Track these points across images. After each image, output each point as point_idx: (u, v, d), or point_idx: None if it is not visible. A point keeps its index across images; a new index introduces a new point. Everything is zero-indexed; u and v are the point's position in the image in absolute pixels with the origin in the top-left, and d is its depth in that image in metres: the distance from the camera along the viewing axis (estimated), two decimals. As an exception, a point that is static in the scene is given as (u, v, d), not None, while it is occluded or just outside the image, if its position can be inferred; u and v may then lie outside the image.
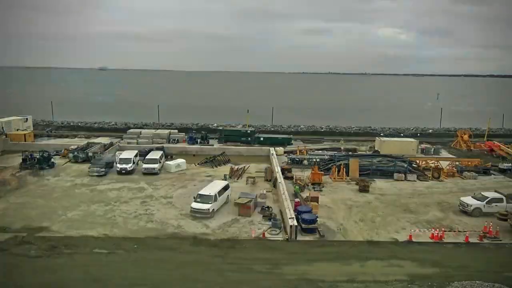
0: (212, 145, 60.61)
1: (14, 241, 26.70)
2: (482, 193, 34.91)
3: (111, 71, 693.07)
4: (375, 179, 43.42)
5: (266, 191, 37.77)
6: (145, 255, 25.26)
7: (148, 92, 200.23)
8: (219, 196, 33.07)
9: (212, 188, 33.84)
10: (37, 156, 45.88)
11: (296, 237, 27.87)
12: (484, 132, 75.69)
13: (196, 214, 31.45)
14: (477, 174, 45.46)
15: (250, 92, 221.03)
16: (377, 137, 63.11)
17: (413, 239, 28.29)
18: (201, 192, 33.09)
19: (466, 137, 63.78)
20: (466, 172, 45.71)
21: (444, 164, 47.77)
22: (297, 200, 34.12)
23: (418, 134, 76.17)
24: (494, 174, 47.18)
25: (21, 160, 45.52)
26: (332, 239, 28.15)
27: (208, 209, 31.25)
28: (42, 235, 27.87)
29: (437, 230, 29.30)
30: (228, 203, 34.76)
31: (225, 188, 35.28)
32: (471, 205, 33.12)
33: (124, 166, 43.98)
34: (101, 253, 25.38)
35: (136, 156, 46.64)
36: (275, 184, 39.98)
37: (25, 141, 57.92)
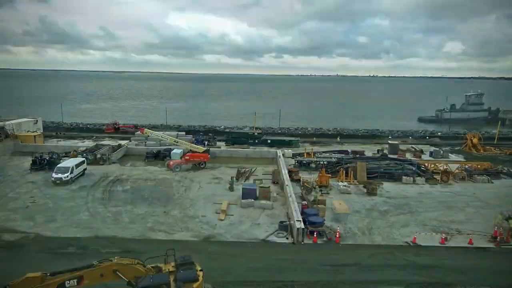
0: (219, 147, 60.73)
1: (23, 242, 27.00)
2: None
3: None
4: (383, 182, 43.01)
5: (276, 194, 37.94)
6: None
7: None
8: (76, 168, 41.69)
9: (70, 162, 42.54)
10: (47, 158, 46.43)
11: (303, 240, 27.70)
12: (494, 135, 74.83)
13: (57, 181, 39.67)
14: (488, 177, 44.70)
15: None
16: (389, 141, 62.71)
17: (420, 243, 27.99)
18: (60, 165, 41.60)
19: (475, 140, 63.03)
20: (476, 176, 44.98)
21: (453, 168, 47.21)
22: (304, 203, 33.93)
23: (427, 137, 75.57)
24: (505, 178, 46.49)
25: (31, 162, 46.04)
26: (339, 242, 27.98)
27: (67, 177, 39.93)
28: (50, 236, 28.15)
29: (444, 233, 29.10)
30: (84, 175, 43.08)
31: (82, 163, 43.71)
32: None
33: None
34: (110, 255, 25.46)
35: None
36: (282, 187, 39.88)
37: (35, 142, 58.54)
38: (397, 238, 28.88)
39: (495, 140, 71.48)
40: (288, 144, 62.68)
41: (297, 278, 22.71)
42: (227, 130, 74.41)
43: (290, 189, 36.14)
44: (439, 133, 79.39)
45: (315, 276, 23.11)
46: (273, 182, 42.42)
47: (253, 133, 67.33)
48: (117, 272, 16.54)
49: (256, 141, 63.65)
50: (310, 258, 25.48)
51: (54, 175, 40.21)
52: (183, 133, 70.43)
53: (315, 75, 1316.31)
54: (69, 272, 16.41)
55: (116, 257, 17.36)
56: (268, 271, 23.45)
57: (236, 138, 65.05)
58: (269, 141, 63.66)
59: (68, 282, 16.06)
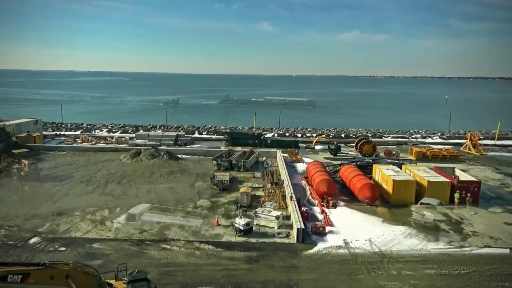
0: (219, 148, 60.70)
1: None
2: None
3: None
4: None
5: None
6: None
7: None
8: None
9: None
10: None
11: (303, 240, 27.59)
12: (494, 134, 74.82)
13: None
14: None
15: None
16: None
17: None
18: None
19: (476, 139, 62.81)
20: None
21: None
22: (305, 209, 33.02)
23: (427, 138, 75.50)
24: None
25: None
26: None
27: None
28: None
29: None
30: None
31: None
32: None
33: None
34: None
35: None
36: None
37: (35, 143, 58.48)
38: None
39: (495, 140, 71.52)
40: (288, 145, 62.39)
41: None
42: (228, 130, 74.38)
43: (291, 189, 36.16)
44: (438, 134, 79.32)
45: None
46: (267, 181, 42.03)
47: (253, 133, 67.29)
48: (69, 279, 14.43)
49: (257, 141, 63.56)
50: None
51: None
52: (183, 133, 70.57)
53: (315, 75, 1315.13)
54: (16, 266, 14.23)
55: (72, 262, 15.52)
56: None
57: (236, 138, 64.94)
58: (269, 142, 63.63)
59: (11, 276, 13.63)
